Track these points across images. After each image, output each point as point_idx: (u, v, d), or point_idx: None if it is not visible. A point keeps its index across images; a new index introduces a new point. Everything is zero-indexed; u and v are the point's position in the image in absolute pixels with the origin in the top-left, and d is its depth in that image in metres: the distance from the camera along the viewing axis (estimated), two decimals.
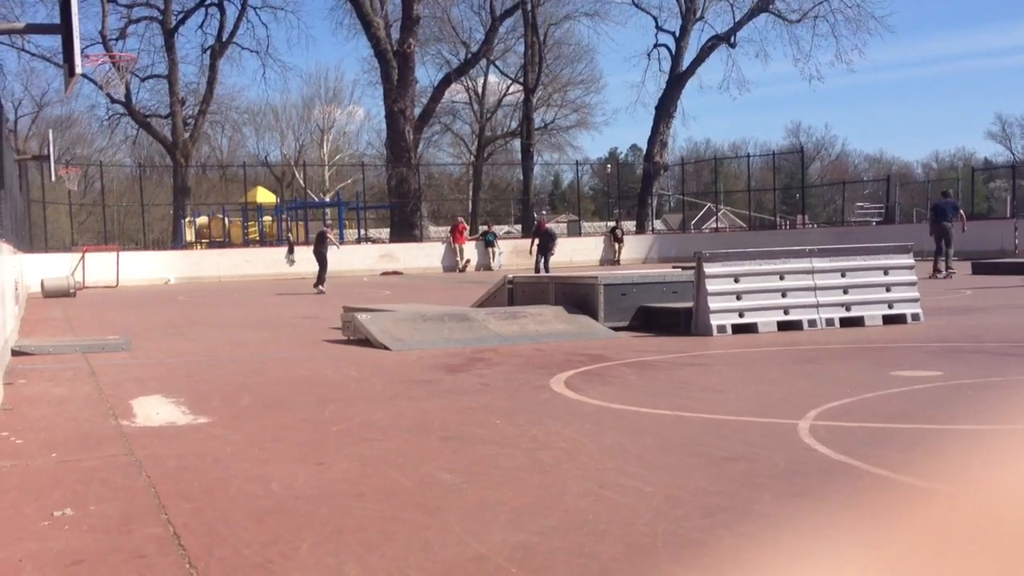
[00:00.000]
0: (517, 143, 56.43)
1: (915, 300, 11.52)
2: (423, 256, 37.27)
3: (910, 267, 11.66)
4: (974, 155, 77.66)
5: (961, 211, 21.82)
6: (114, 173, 57.26)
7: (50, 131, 38.34)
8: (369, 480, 4.55)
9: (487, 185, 62.85)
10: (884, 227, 37.78)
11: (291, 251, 29.08)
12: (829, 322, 11.05)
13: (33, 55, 46.58)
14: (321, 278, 23.36)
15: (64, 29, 9.88)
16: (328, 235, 24.25)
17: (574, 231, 49.93)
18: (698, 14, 48.79)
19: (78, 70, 10.00)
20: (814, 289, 11.14)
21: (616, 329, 11.24)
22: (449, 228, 39.90)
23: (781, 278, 11.09)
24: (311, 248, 24.54)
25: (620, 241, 39.38)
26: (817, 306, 11.11)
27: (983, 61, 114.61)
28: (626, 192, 55.01)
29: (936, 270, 20.36)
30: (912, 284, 11.57)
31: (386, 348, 9.99)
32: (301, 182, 56.29)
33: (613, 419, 6.05)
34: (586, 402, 6.66)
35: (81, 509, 4.11)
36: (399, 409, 6.57)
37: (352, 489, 4.39)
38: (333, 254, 24.69)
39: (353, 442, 5.49)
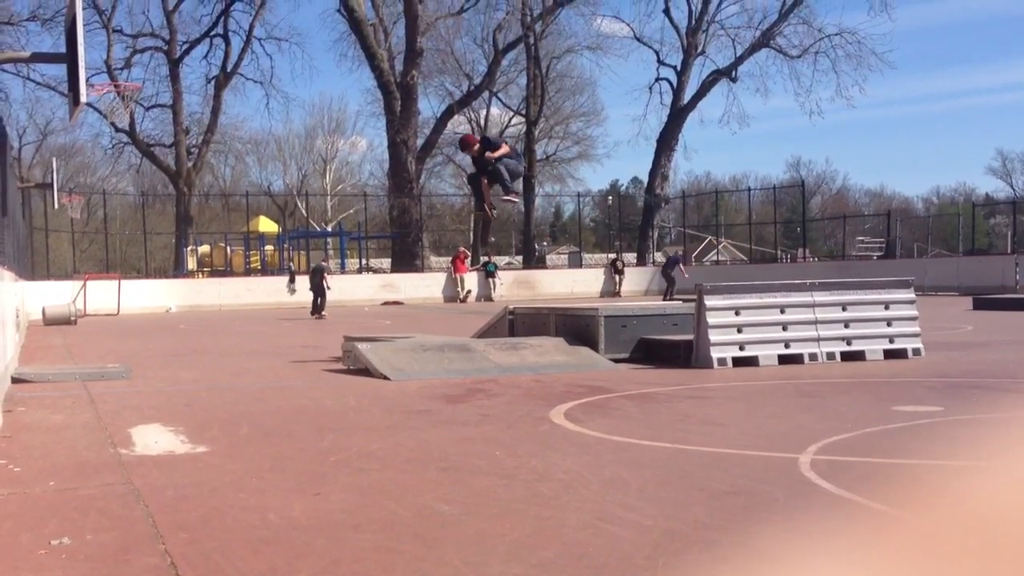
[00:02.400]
0: None
1: (916, 335, 11.51)
2: (424, 286, 37.31)
3: (911, 302, 11.66)
4: (975, 191, 77.92)
5: None
6: (117, 201, 57.42)
7: (54, 159, 38.53)
8: (366, 511, 4.53)
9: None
10: (885, 262, 37.81)
11: (292, 280, 29.12)
12: (830, 356, 11.04)
13: (38, 84, 46.87)
14: (321, 306, 23.92)
15: (70, 58, 9.96)
16: (325, 269, 25.58)
17: (575, 263, 50.02)
18: (699, 49, 49.11)
19: (83, 99, 10.07)
20: (815, 323, 11.14)
21: (616, 361, 11.22)
22: (450, 258, 39.95)
23: (782, 311, 11.08)
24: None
25: (621, 273, 39.43)
26: (818, 340, 11.10)
27: (983, 98, 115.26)
28: (627, 224, 55.15)
29: None
30: (913, 319, 11.56)
31: (386, 378, 9.97)
32: (303, 212, 56.49)
33: (613, 451, 6.03)
34: (586, 434, 6.64)
35: (78, 538, 4.08)
36: (398, 439, 6.55)
37: (349, 520, 4.37)
38: (330, 284, 25.48)
39: (351, 472, 5.47)
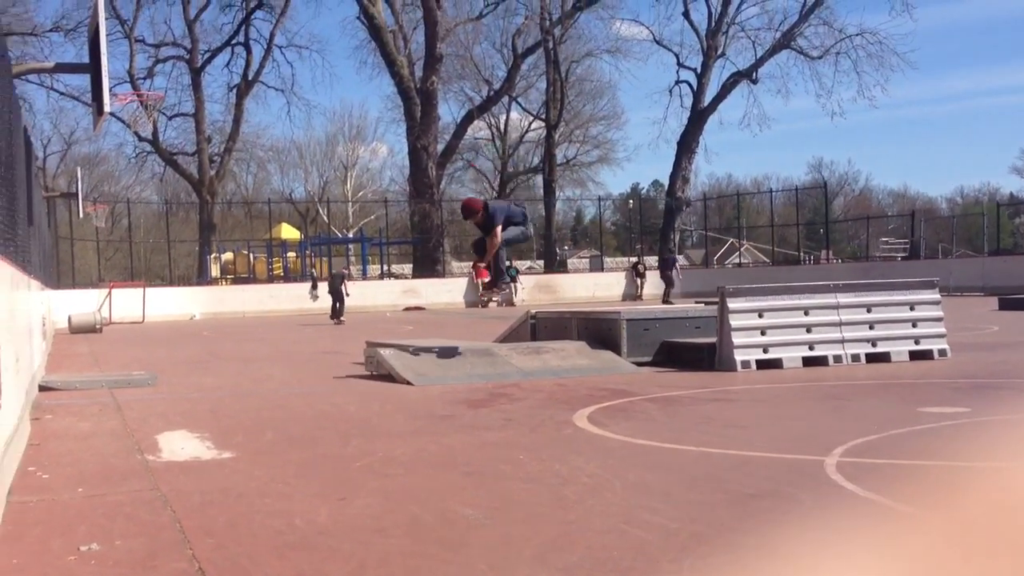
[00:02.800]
0: (539, 179, 56.66)
1: (942, 336, 11.42)
2: (445, 291, 37.37)
3: (936, 302, 11.57)
4: (999, 190, 77.26)
5: None
6: (141, 210, 57.90)
7: (78, 169, 38.88)
8: (391, 515, 4.54)
9: None
10: (909, 262, 37.55)
11: (315, 287, 29.25)
12: (855, 358, 10.97)
13: (62, 94, 47.42)
14: (340, 312, 25.17)
15: (93, 68, 10.07)
16: (346, 275, 26.75)
17: (596, 266, 49.97)
18: (719, 51, 48.99)
19: (107, 108, 10.17)
20: (839, 324, 11.07)
21: (639, 364, 11.20)
22: (471, 263, 39.99)
23: (806, 313, 11.03)
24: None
25: (642, 276, 39.35)
26: (842, 341, 11.03)
27: (1007, 97, 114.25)
28: (648, 227, 55.07)
29: None
30: (938, 320, 11.47)
31: (408, 383, 10.00)
32: (325, 218, 56.70)
33: (637, 455, 6.02)
34: (610, 437, 6.63)
35: (107, 544, 4.12)
36: (422, 444, 6.57)
37: (374, 524, 4.39)
38: (350, 290, 26.81)
39: (375, 477, 5.48)
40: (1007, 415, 7.11)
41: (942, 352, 11.25)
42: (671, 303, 27.30)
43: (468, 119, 52.15)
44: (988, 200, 68.25)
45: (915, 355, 11.13)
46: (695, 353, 11.21)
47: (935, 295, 11.64)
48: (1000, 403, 7.77)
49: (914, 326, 11.34)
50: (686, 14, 48.90)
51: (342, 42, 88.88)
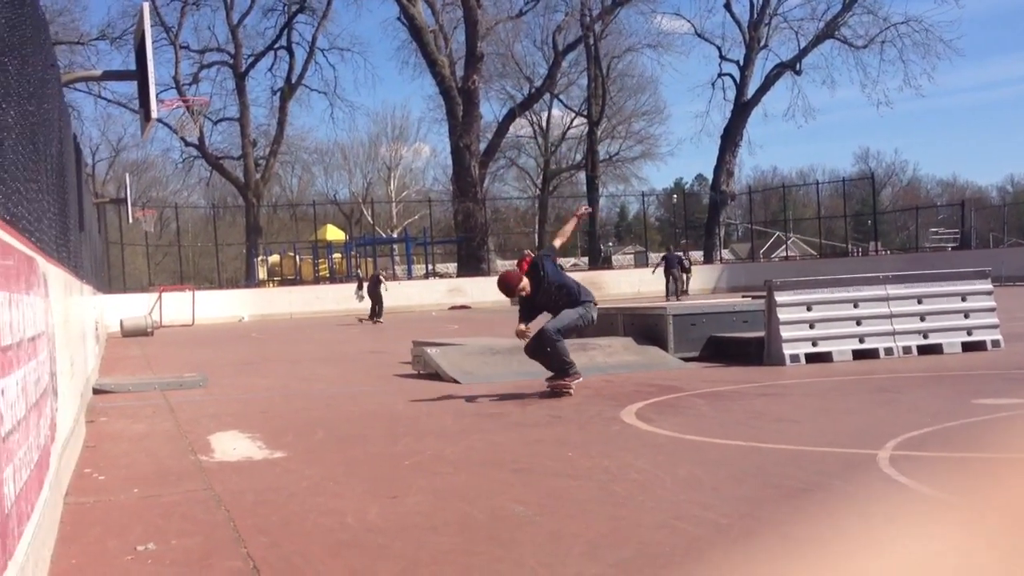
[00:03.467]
0: (582, 175, 56.52)
1: (995, 326, 11.22)
2: (491, 290, 37.11)
3: (988, 293, 11.37)
4: None
5: None
6: (188, 214, 58.69)
7: (127, 175, 39.52)
8: (442, 513, 4.56)
9: (553, 218, 62.91)
10: (960, 252, 36.95)
11: (360, 287, 29.45)
12: (906, 350, 10.82)
13: (109, 101, 48.10)
14: (379, 312, 26.24)
15: (140, 75, 10.21)
16: (382, 279, 27.74)
17: (641, 262, 49.74)
18: (762, 43, 48.54)
19: (154, 115, 10.31)
20: (890, 316, 10.92)
21: (686, 360, 11.14)
22: (516, 261, 40.03)
23: (855, 306, 10.89)
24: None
25: (687, 271, 39.08)
26: (893, 334, 10.88)
27: None
28: (692, 222, 54.68)
29: None
30: (991, 310, 11.27)
31: (456, 381, 10.03)
32: (369, 219, 57.08)
33: (686, 450, 5.99)
34: (658, 433, 6.60)
35: (163, 543, 4.18)
36: (470, 442, 6.59)
37: (425, 522, 4.41)
38: (391, 291, 28.22)
39: (425, 475, 5.51)
40: None
41: (995, 343, 11.05)
42: (678, 300, 27.31)
43: (510, 117, 52.18)
44: None
45: (968, 346, 10.95)
46: (743, 348, 11.12)
47: (987, 285, 11.44)
48: None
49: (966, 317, 11.16)
50: (727, 6, 48.53)
51: (383, 43, 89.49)
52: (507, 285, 8.73)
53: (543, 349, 8.61)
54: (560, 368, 8.59)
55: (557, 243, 9.37)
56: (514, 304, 9.58)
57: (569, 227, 9.67)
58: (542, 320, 8.90)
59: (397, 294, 33.82)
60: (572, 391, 8.58)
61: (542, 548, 3.91)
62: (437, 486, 5.21)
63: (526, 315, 8.83)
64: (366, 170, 70.31)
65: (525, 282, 8.63)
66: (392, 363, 12.72)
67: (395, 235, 55.35)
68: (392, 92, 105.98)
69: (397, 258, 49.14)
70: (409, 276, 43.05)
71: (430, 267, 45.34)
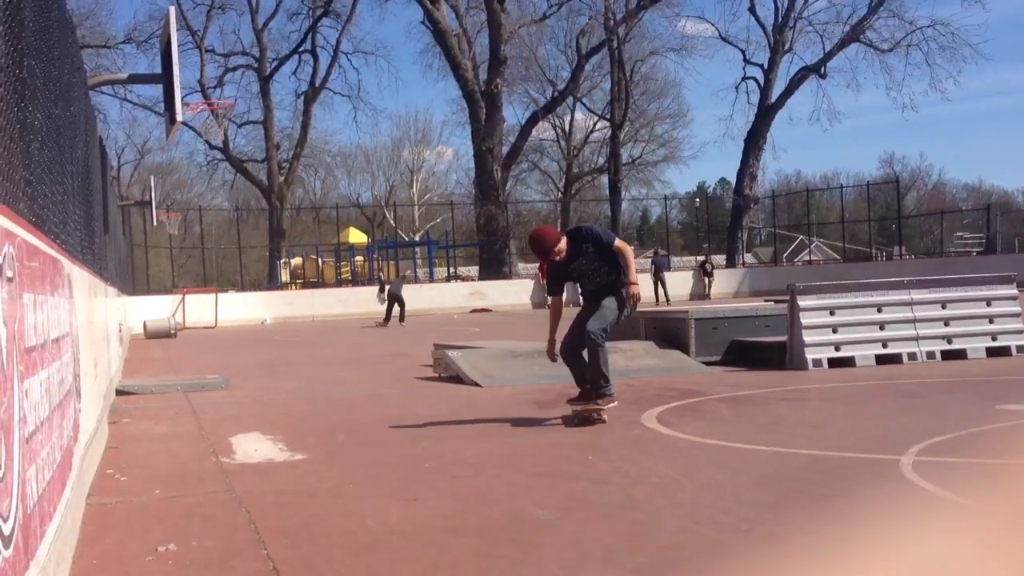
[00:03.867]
0: (605, 179, 56.44)
1: (1020, 332, 11.11)
2: (512, 293, 37.40)
3: (1014, 298, 11.26)
4: None
5: None
6: (212, 217, 59.01)
7: (151, 177, 39.82)
8: (462, 516, 4.56)
9: (575, 221, 62.96)
10: (985, 257, 36.62)
11: (382, 290, 29.52)
12: (930, 355, 10.73)
13: (135, 104, 48.46)
14: (399, 315, 26.45)
15: (165, 79, 10.28)
16: (405, 277, 28.03)
17: (663, 266, 49.56)
18: (787, 46, 48.32)
19: (179, 118, 10.38)
20: (914, 321, 10.84)
21: (708, 364, 11.09)
22: (538, 265, 40.02)
23: (879, 310, 10.82)
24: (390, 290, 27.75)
25: (710, 275, 38.96)
26: (917, 339, 10.80)
27: None
28: (715, 226, 54.47)
29: None
30: (1016, 315, 11.17)
31: (477, 385, 10.03)
32: (391, 222, 57.20)
33: (707, 455, 5.96)
34: (679, 437, 6.58)
35: (184, 544, 4.20)
36: (491, 445, 6.58)
37: (446, 525, 4.41)
38: (413, 293, 28.55)
39: (446, 478, 5.51)
40: None
41: (1020, 348, 10.94)
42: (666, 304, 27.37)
43: (533, 121, 52.17)
44: None
45: (992, 352, 10.85)
46: (765, 352, 11.07)
47: (1012, 290, 11.33)
48: None
49: (991, 322, 11.06)
50: (752, 9, 48.34)
51: (407, 47, 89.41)
52: (542, 243, 7.30)
53: (580, 352, 7.37)
54: (595, 382, 7.21)
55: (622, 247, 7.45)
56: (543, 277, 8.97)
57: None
58: (564, 321, 7.59)
59: (419, 297, 33.88)
60: (606, 417, 7.26)
61: (561, 552, 3.90)
62: (457, 489, 5.21)
63: (554, 284, 7.67)
64: (389, 173, 70.55)
65: (563, 244, 7.26)
66: (413, 366, 12.74)
67: (417, 238, 55.47)
68: (415, 95, 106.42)
69: (419, 261, 49.21)
70: (431, 279, 43.12)
71: (452, 270, 45.38)
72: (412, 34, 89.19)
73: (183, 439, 7.44)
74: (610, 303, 7.30)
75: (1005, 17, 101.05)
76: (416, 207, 63.47)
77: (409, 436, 7.15)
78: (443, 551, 3.99)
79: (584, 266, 7.37)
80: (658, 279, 34.04)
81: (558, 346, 7.57)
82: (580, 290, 7.72)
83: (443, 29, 45.17)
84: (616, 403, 7.34)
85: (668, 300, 32.13)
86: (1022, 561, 3.45)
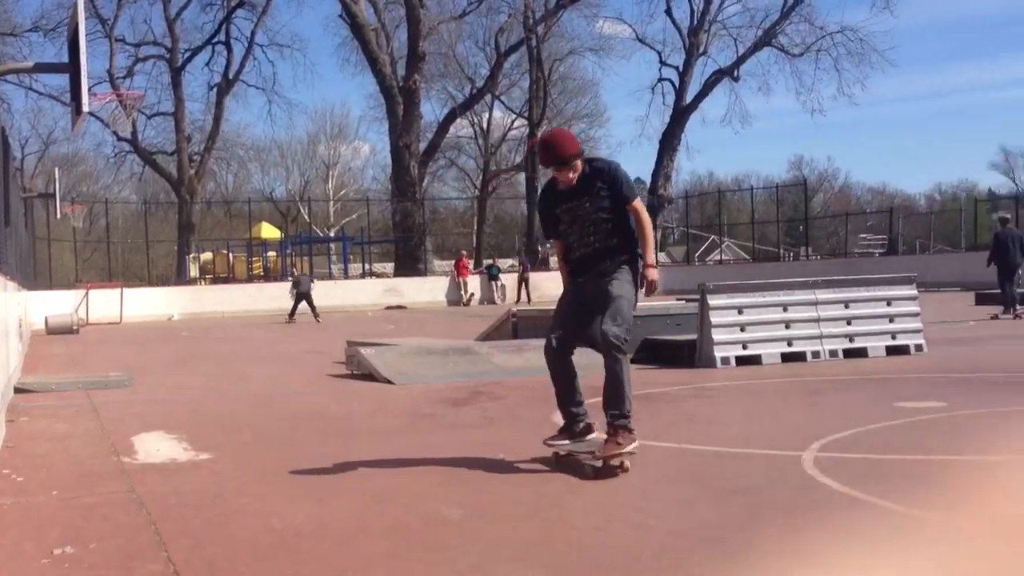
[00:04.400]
0: (522, 177, 56.62)
1: (918, 331, 11.48)
2: (427, 290, 37.31)
3: (913, 298, 11.63)
4: (976, 186, 77.65)
5: None
6: (119, 210, 57.47)
7: (56, 169, 38.59)
8: (372, 516, 4.53)
9: (491, 219, 63.02)
10: (887, 258, 37.72)
11: (295, 286, 29.15)
12: (833, 353, 11.01)
13: (41, 94, 46.90)
14: (294, 312, 26.50)
15: (72, 68, 9.97)
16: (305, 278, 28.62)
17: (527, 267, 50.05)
18: (701, 49, 49.03)
19: (85, 108, 10.08)
20: (818, 320, 11.11)
21: None
22: (453, 262, 40.01)
23: (785, 310, 11.07)
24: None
25: None
26: (821, 337, 11.07)
27: (987, 94, 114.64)
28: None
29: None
30: (915, 315, 11.54)
31: (390, 382, 9.97)
32: (306, 217, 56.50)
33: None
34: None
35: (82, 546, 4.08)
36: (402, 444, 6.55)
37: (354, 526, 4.37)
38: (327, 289, 28.92)
39: (356, 478, 5.46)
40: (981, 409, 7.16)
41: (918, 347, 11.31)
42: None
43: (451, 117, 52.06)
44: (966, 196, 68.67)
45: (892, 350, 11.18)
46: (675, 350, 11.23)
47: (912, 291, 11.70)
48: (974, 397, 7.81)
49: (891, 321, 11.40)
50: (668, 12, 48.90)
51: (324, 40, 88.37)
52: (560, 149, 5.36)
53: (572, 353, 5.72)
54: (616, 407, 5.40)
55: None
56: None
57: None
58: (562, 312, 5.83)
59: (333, 293, 33.54)
60: (629, 464, 5.25)
61: (474, 552, 3.90)
62: (367, 489, 5.17)
63: (552, 225, 5.64)
64: (304, 168, 69.64)
65: (579, 165, 5.37)
66: (326, 363, 12.60)
67: (332, 234, 54.89)
68: (332, 90, 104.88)
69: (334, 257, 48.69)
70: (346, 275, 42.71)
71: (367, 267, 45.02)
72: (330, 28, 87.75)
73: (83, 438, 7.23)
74: (622, 290, 5.34)
75: (912, 25, 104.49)
76: (331, 203, 62.83)
77: (319, 435, 7.07)
78: (352, 553, 3.95)
79: (583, 212, 5.40)
80: (523, 280, 35.24)
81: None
82: (558, 252, 5.76)
83: (361, 23, 44.76)
84: (638, 442, 5.34)
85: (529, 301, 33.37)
86: (914, 553, 3.56)
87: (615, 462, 5.21)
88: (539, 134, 5.65)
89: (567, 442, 5.58)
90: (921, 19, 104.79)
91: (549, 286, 38.71)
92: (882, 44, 46.37)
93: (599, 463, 5.24)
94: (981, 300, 22.02)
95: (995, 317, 16.98)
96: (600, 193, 5.39)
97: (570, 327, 5.68)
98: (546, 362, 5.76)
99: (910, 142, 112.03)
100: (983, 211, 45.32)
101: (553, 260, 52.02)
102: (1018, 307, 17.20)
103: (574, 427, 5.61)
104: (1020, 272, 17.93)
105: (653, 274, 5.48)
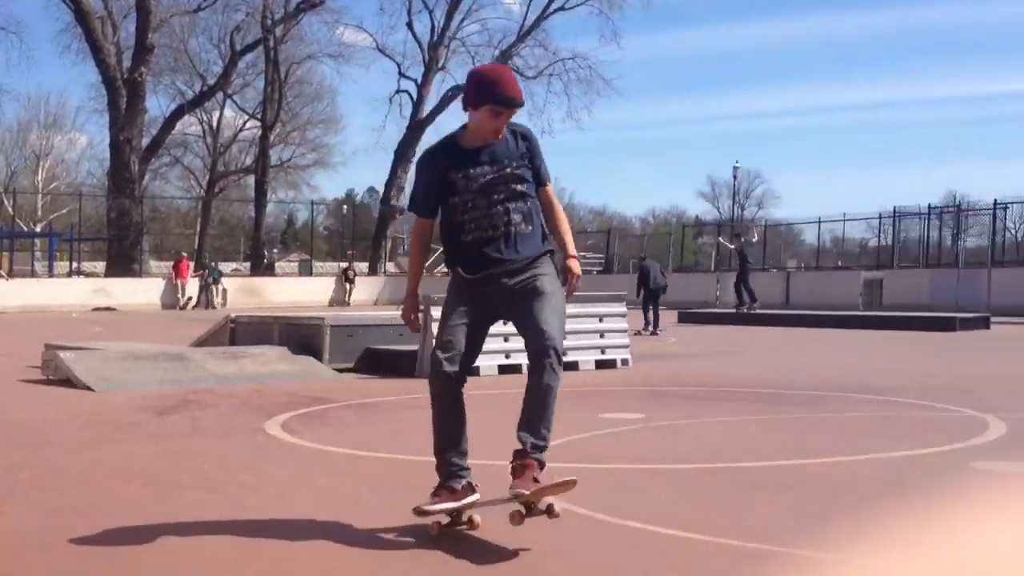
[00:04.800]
0: (251, 179, 54.99)
1: (625, 346, 12.19)
2: (141, 292, 35.41)
3: (622, 315, 12.35)
4: (685, 212, 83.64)
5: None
6: None
7: None
8: (56, 531, 4.21)
9: (216, 221, 60.74)
10: (603, 276, 39.87)
11: None
12: None
13: None
14: None
15: None
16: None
17: (305, 271, 49.22)
18: (440, 63, 49.80)
19: None
20: None
21: (342, 371, 11.13)
22: (172, 264, 38.25)
23: (504, 323, 11.38)
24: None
25: (351, 282, 39.22)
26: None
27: (698, 127, 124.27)
28: (361, 234, 54.91)
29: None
30: (623, 331, 12.25)
31: (90, 389, 9.35)
32: (10, 210, 52.07)
33: (328, 462, 5.96)
34: (302, 445, 6.52)
35: None
36: (99, 454, 6.16)
37: (34, 541, 4.06)
38: (26, 288, 25.22)
39: (41, 490, 5.07)
40: (676, 420, 7.70)
41: (624, 361, 12.01)
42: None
43: (178, 113, 49.83)
44: (676, 221, 73.71)
45: (601, 364, 11.80)
46: (396, 360, 11.28)
47: (622, 308, 12.42)
48: (671, 409, 8.40)
49: (602, 336, 12.04)
50: (410, 25, 49.30)
51: (44, 25, 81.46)
52: (513, 84, 4.10)
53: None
54: (546, 436, 4.54)
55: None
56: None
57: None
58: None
59: (34, 293, 31.20)
60: (559, 510, 4.20)
61: (165, 568, 3.72)
62: (54, 502, 4.82)
63: (428, 197, 4.35)
64: (11, 157, 64.24)
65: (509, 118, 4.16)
66: (18, 368, 11.63)
67: (38, 229, 50.93)
68: (50, 77, 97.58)
69: (39, 254, 45.15)
70: (51, 274, 39.74)
71: (75, 265, 42.09)
72: (51, 12, 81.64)
73: None
74: (555, 286, 4.38)
75: (638, 59, 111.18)
76: (40, 195, 58.30)
77: (5, 444, 6.52)
78: (27, 569, 3.66)
79: (498, 180, 4.17)
80: (204, 287, 35.62)
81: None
82: (450, 233, 4.34)
83: (86, 10, 42.00)
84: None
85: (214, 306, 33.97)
86: (599, 567, 3.76)
87: (541, 505, 4.07)
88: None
89: (451, 504, 4.11)
90: (645, 53, 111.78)
91: (274, 289, 37.79)
92: (609, 73, 49.02)
93: (522, 507, 4.08)
94: (684, 318, 23.80)
95: (637, 333, 17.97)
96: (523, 161, 4.22)
97: (472, 341, 4.36)
98: (430, 392, 4.37)
99: (629, 168, 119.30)
100: (689, 236, 48.74)
101: (279, 266, 50.71)
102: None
103: (453, 483, 4.22)
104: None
105: (577, 267, 4.40)
